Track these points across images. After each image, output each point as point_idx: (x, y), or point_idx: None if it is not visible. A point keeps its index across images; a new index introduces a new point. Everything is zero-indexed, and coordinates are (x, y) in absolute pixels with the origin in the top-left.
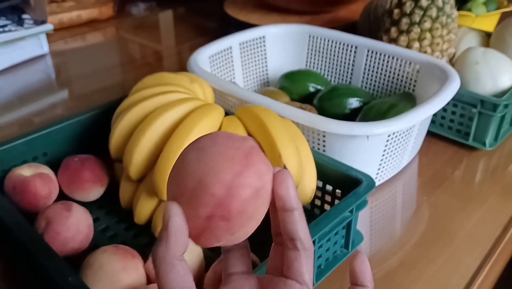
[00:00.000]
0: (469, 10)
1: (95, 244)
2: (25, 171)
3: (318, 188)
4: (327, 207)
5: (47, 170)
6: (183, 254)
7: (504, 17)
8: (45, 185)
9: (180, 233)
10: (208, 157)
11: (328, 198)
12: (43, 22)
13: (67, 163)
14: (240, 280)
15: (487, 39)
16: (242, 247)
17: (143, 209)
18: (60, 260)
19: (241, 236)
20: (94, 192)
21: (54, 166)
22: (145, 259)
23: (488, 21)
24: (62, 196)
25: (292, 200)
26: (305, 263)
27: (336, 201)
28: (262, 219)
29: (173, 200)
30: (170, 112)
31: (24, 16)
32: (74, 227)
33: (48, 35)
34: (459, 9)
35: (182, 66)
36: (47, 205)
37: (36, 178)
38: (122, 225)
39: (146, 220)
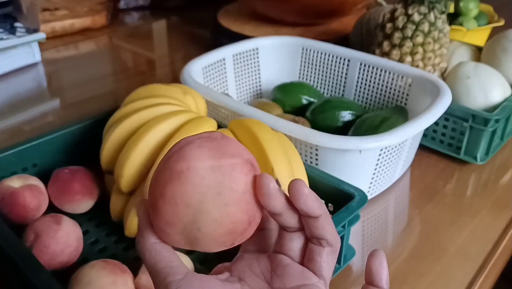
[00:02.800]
0: (461, 24)
1: (84, 258)
2: (14, 182)
3: None
4: None
5: (36, 182)
6: (158, 239)
7: (494, 31)
8: (34, 197)
9: (148, 221)
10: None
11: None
12: (35, 30)
13: (57, 174)
14: (250, 258)
15: (478, 53)
16: (260, 229)
17: (134, 221)
18: (48, 275)
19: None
20: (84, 204)
21: (44, 177)
22: (134, 274)
23: (479, 36)
24: (52, 208)
25: (314, 209)
26: (326, 258)
27: None
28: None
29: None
30: (162, 124)
31: (17, 24)
32: (63, 240)
33: (41, 43)
34: (450, 23)
35: (175, 75)
36: (36, 217)
37: (25, 189)
38: (112, 238)
39: (136, 233)
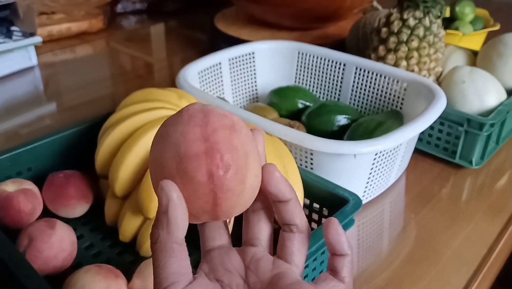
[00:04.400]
0: (457, 28)
1: (78, 262)
2: (9, 187)
3: (305, 205)
4: (314, 225)
5: (31, 186)
6: (184, 238)
7: (490, 36)
8: (28, 201)
9: (181, 216)
10: (172, 133)
11: (315, 216)
12: (32, 34)
13: (51, 178)
14: (220, 256)
15: (473, 57)
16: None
17: (128, 226)
18: (41, 280)
19: (250, 181)
20: (79, 209)
21: (39, 181)
22: (128, 278)
23: (475, 40)
24: (47, 212)
25: (285, 192)
26: (298, 244)
27: (323, 220)
28: (254, 156)
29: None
30: (157, 129)
31: (13, 28)
32: (57, 245)
33: (37, 47)
34: (446, 27)
35: (173, 78)
36: (31, 221)
37: (19, 193)
38: (107, 242)
39: (131, 237)
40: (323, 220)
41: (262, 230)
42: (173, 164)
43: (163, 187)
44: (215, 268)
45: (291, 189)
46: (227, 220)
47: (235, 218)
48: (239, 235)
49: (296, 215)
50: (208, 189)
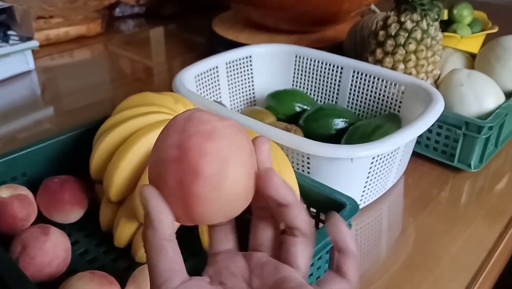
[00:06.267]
0: (455, 31)
1: (73, 269)
2: (3, 192)
3: None
4: None
5: (25, 191)
6: (172, 234)
7: (488, 38)
8: (23, 207)
9: (162, 213)
10: (159, 139)
11: (312, 221)
12: (29, 38)
13: (46, 184)
14: (225, 260)
15: (472, 60)
16: (226, 222)
17: (123, 232)
18: (33, 288)
19: (229, 188)
20: (74, 214)
21: (34, 186)
22: (122, 285)
23: (473, 43)
24: (41, 218)
25: (286, 196)
26: (301, 248)
27: (320, 225)
28: (238, 162)
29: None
30: (152, 134)
31: (10, 32)
32: (50, 251)
33: (35, 51)
34: (444, 30)
35: (171, 82)
36: (25, 227)
37: (14, 199)
38: (102, 248)
39: (126, 243)
40: (320, 224)
41: (268, 236)
42: (154, 169)
43: (142, 192)
44: (220, 271)
45: (292, 193)
46: (233, 225)
47: (239, 224)
48: (239, 239)
49: (298, 218)
50: (178, 194)
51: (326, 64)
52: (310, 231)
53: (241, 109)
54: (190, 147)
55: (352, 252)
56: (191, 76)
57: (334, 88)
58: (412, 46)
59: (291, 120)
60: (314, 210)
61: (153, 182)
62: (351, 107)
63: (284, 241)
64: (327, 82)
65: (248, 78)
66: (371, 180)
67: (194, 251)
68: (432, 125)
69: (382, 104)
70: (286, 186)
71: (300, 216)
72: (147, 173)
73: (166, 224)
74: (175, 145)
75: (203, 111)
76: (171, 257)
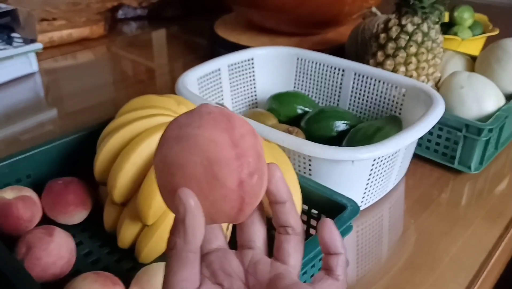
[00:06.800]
0: (455, 34)
1: (77, 269)
2: (8, 194)
3: (303, 211)
4: (312, 231)
5: (30, 193)
6: (199, 247)
7: (489, 41)
8: (27, 208)
9: (199, 225)
10: (196, 136)
11: (313, 222)
12: (32, 40)
13: (50, 185)
14: (219, 260)
15: (472, 63)
16: None
17: (127, 233)
18: (38, 288)
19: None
20: (78, 215)
21: (38, 188)
22: (126, 286)
23: (474, 45)
24: (46, 219)
25: (283, 193)
26: (294, 246)
27: None
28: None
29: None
30: (155, 136)
31: (14, 34)
32: (55, 252)
33: (38, 53)
34: (445, 32)
35: (174, 84)
36: (30, 228)
37: (18, 201)
38: (106, 249)
39: (129, 244)
40: None
41: (257, 232)
42: (200, 168)
43: (180, 195)
44: (216, 273)
45: (288, 191)
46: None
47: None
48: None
49: (292, 217)
50: (237, 194)
51: (327, 66)
52: (301, 230)
53: (243, 111)
54: (247, 146)
55: (340, 251)
56: (194, 78)
57: (335, 91)
58: (413, 49)
59: (293, 122)
60: (316, 212)
61: (196, 182)
62: (352, 110)
63: (277, 238)
64: (328, 84)
65: (250, 81)
66: (372, 181)
67: None
68: (433, 127)
69: (383, 107)
70: (285, 183)
71: (293, 214)
72: (173, 173)
73: (199, 239)
74: (230, 144)
75: (222, 106)
76: (192, 268)
